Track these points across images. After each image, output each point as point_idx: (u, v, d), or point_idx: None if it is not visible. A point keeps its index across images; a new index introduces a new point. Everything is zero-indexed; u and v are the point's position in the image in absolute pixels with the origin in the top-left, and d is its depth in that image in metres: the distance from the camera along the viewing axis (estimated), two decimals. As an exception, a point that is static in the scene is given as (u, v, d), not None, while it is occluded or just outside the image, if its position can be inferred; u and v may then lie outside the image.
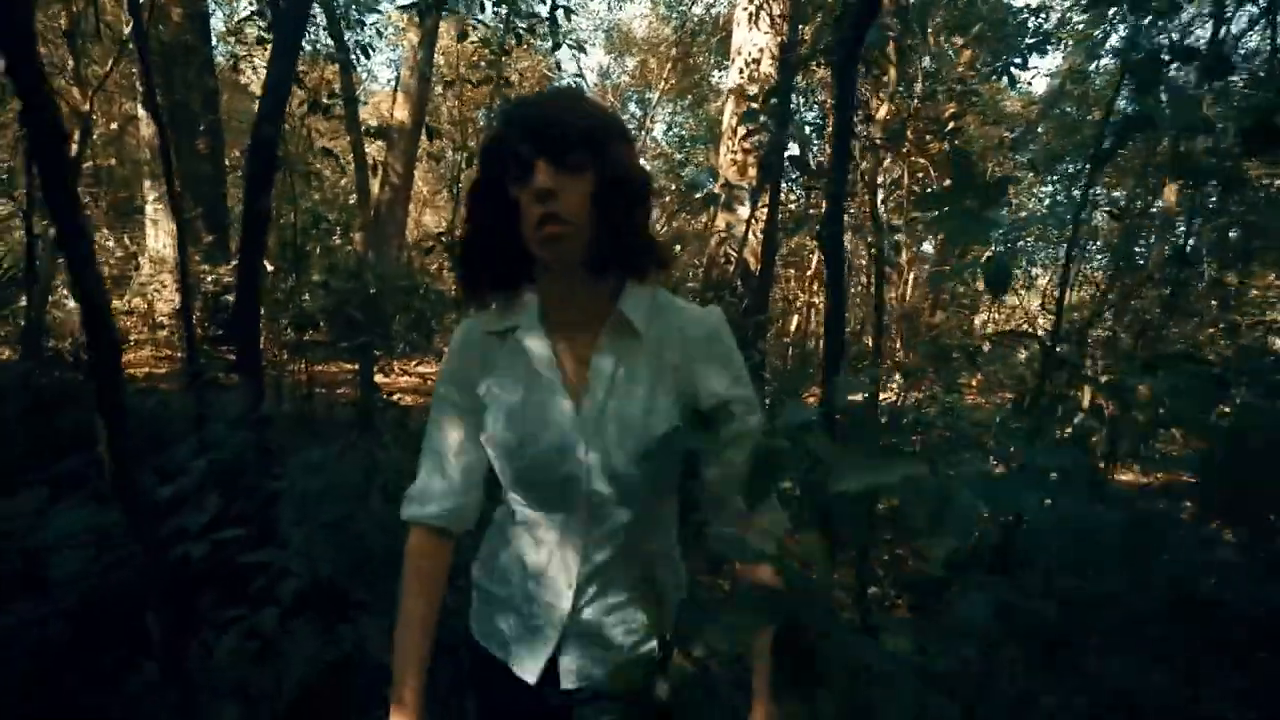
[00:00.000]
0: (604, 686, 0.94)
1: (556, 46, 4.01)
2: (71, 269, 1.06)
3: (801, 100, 5.17)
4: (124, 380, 1.13)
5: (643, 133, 13.84)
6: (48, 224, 4.08)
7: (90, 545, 1.13)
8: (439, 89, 10.56)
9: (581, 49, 4.37)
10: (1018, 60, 5.15)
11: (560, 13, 3.72)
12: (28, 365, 3.13)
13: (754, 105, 3.30)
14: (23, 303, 4.50)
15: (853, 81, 1.66)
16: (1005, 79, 5.05)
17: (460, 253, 0.93)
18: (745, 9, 4.75)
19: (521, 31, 4.27)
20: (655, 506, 0.96)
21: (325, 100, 3.87)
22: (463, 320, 1.01)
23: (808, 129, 4.56)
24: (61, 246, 1.06)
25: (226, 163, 8.66)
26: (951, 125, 5.91)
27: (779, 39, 4.40)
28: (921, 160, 4.64)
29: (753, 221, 4.33)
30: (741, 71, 4.62)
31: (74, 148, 5.14)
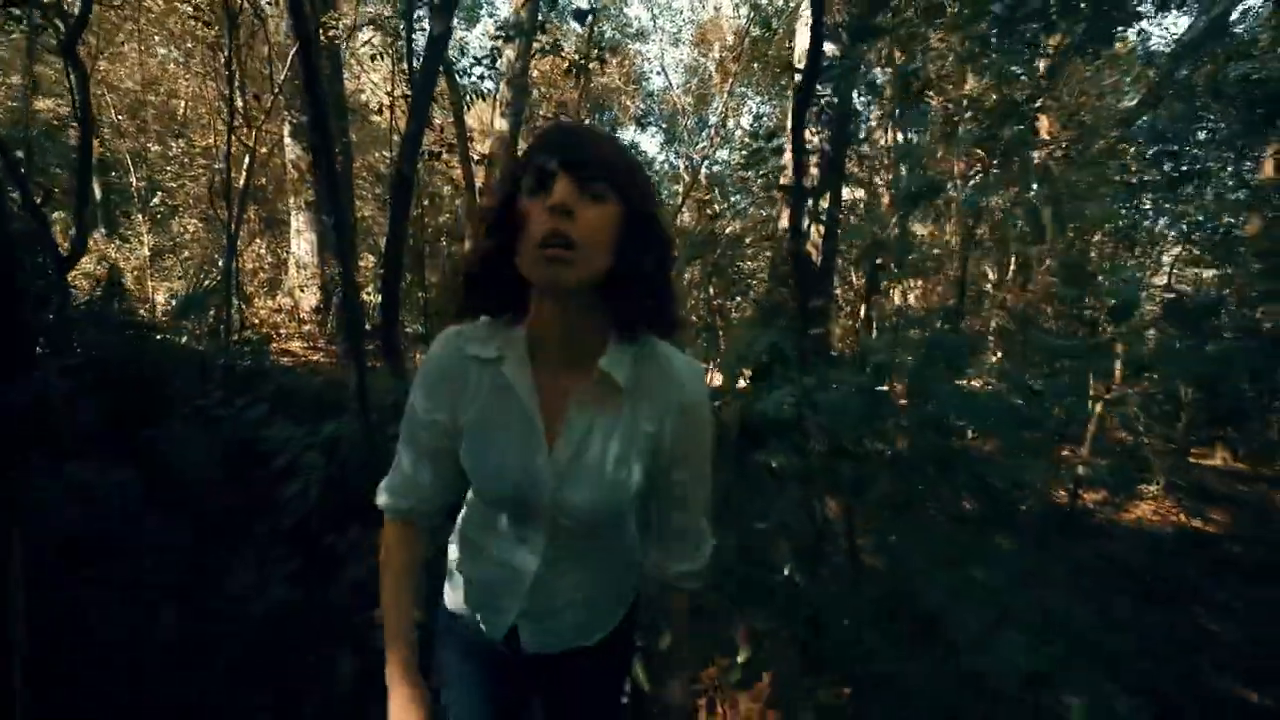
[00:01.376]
0: (555, 651, 1.04)
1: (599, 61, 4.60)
2: (344, 288, 1.70)
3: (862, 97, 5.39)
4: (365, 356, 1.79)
5: (725, 124, 14.11)
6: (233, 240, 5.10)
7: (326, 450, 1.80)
8: (536, 94, 11.37)
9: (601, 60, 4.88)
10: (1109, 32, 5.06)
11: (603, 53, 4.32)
12: (226, 350, 4.04)
13: (760, 144, 3.67)
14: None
15: (802, 125, 2.06)
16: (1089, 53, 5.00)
17: (464, 271, 0.89)
18: (805, 23, 5.06)
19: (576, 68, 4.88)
20: (613, 532, 1.04)
21: (445, 146, 4.65)
22: (444, 334, 0.96)
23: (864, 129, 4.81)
24: (343, 278, 1.71)
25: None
26: (1037, 104, 5.87)
27: (839, 46, 4.68)
28: (979, 150, 4.75)
29: (811, 218, 4.67)
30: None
31: (243, 174, 6.27)
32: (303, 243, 9.26)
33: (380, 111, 5.83)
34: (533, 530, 0.96)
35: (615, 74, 12.70)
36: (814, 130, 5.00)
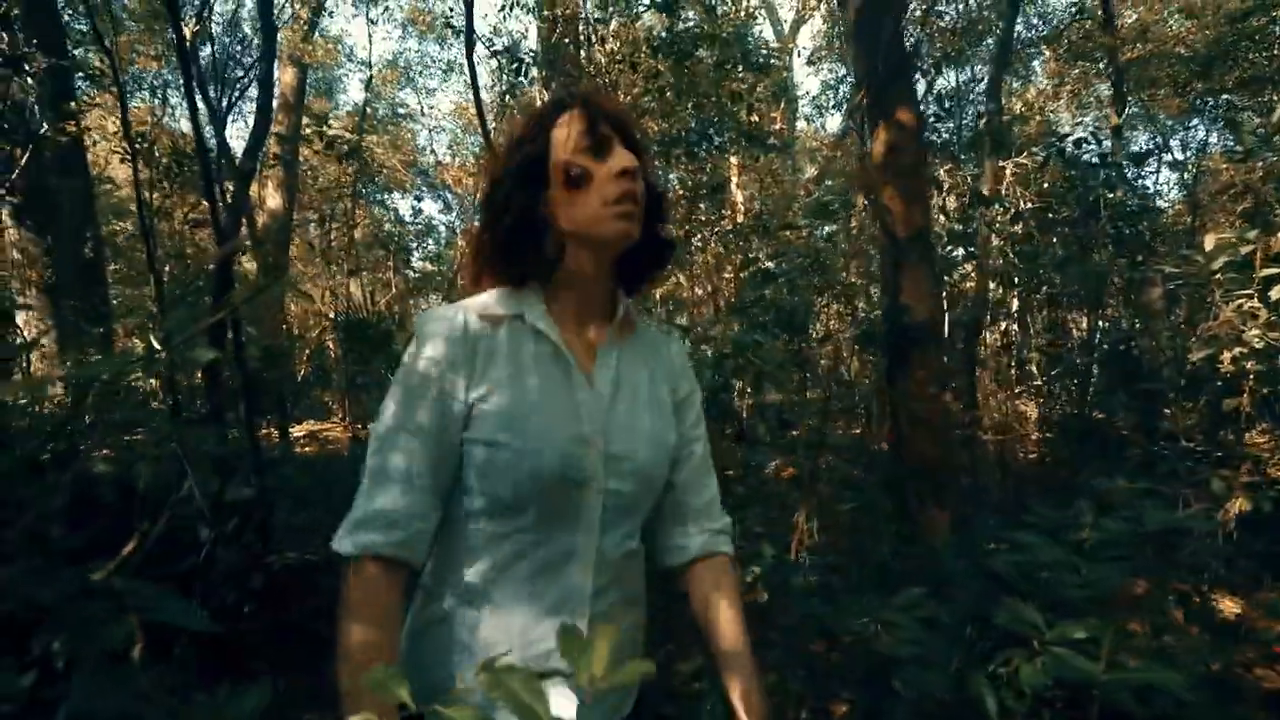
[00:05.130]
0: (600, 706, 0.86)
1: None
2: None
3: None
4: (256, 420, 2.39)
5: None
6: None
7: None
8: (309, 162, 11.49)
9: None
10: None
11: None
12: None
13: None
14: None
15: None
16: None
17: (488, 241, 0.89)
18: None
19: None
20: (647, 514, 0.94)
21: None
22: (434, 312, 0.87)
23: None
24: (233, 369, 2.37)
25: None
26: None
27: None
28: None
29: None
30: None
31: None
32: (42, 335, 8.29)
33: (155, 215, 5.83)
34: (583, 529, 0.85)
35: (389, 151, 13.20)
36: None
